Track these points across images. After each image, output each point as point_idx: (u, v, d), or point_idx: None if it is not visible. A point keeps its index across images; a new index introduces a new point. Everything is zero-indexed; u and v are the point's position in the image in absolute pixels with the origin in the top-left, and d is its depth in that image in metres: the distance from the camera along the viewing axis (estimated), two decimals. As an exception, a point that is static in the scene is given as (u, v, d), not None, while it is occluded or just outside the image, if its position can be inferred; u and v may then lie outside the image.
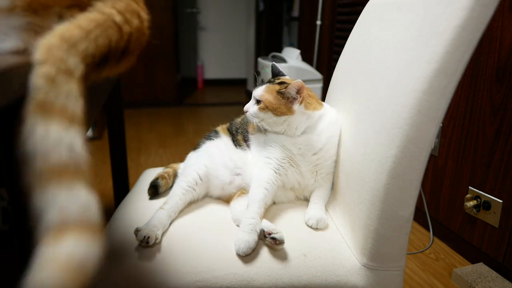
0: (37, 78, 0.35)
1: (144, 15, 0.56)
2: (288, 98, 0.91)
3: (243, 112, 1.18)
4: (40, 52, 0.37)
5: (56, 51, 0.38)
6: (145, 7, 0.59)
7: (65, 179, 0.36)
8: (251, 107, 0.95)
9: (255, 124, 0.96)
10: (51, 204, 0.35)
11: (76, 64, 0.39)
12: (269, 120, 0.93)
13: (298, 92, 0.91)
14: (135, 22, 0.52)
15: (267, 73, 3.23)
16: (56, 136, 0.35)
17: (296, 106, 0.92)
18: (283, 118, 0.92)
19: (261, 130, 1.00)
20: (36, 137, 0.34)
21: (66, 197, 0.35)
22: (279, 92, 0.92)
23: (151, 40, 0.60)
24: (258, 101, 0.93)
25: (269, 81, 0.97)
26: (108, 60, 0.47)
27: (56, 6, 0.46)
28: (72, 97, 0.37)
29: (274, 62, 1.06)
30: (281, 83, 0.95)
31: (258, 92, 0.94)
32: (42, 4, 0.44)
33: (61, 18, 0.46)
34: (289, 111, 0.91)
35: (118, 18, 0.48)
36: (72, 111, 0.37)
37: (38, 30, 0.43)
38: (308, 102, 0.94)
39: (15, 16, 0.42)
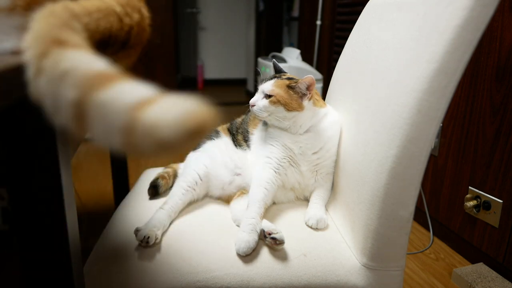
0: (44, 22, 0.35)
1: (145, 12, 0.57)
2: (298, 93, 0.92)
3: (243, 112, 1.18)
4: (43, 13, 0.36)
5: (60, 13, 0.38)
6: (146, 6, 0.60)
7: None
8: (259, 101, 0.93)
9: (261, 118, 0.95)
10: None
11: (79, 28, 0.39)
12: (278, 114, 0.92)
13: (308, 88, 0.91)
14: (136, 16, 0.53)
15: (267, 73, 3.23)
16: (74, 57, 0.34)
17: (305, 102, 0.92)
18: (293, 113, 0.92)
19: (264, 126, 1.00)
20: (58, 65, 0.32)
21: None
22: (289, 87, 0.92)
23: (153, 39, 0.60)
24: (266, 96, 0.92)
25: (275, 76, 0.97)
26: (108, 47, 0.47)
27: None
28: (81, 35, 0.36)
29: (274, 60, 1.06)
30: (289, 78, 0.95)
31: (267, 86, 0.93)
32: (42, 4, 0.44)
33: None
34: (300, 106, 0.91)
35: (118, 9, 0.49)
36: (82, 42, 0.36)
37: None
38: (316, 99, 0.95)
39: (15, 16, 0.42)
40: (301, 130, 0.94)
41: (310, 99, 0.93)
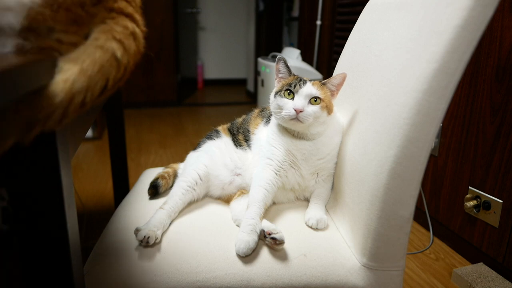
0: None
1: (140, 31, 0.56)
2: (331, 91, 0.89)
3: (243, 112, 1.18)
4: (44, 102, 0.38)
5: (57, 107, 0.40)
6: (141, 15, 0.59)
7: None
8: (307, 107, 0.85)
9: (301, 127, 0.88)
10: None
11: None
12: (320, 119, 0.87)
13: (339, 85, 0.88)
14: (133, 47, 0.53)
15: (267, 73, 3.22)
16: None
17: (333, 101, 0.90)
18: (330, 117, 0.88)
19: (266, 125, 0.98)
20: None
21: None
22: (323, 85, 0.88)
23: (147, 53, 0.61)
24: (313, 99, 0.86)
25: (301, 79, 0.89)
26: (102, 94, 0.49)
27: (57, 25, 0.47)
28: None
29: (285, 58, 0.94)
30: (311, 80, 0.90)
31: (313, 90, 0.86)
32: (41, 22, 0.45)
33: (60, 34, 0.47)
34: (332, 108, 0.89)
35: (119, 53, 0.49)
36: None
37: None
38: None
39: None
40: (317, 136, 0.91)
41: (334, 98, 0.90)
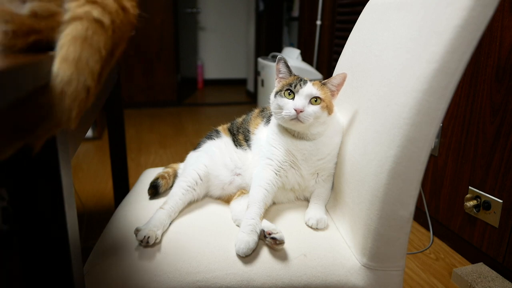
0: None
1: None
2: (331, 91, 0.89)
3: (243, 112, 1.18)
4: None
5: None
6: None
7: None
8: (307, 107, 0.85)
9: (302, 128, 0.88)
10: None
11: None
12: (320, 120, 0.87)
13: (339, 85, 0.89)
14: (110, 3, 0.47)
15: (267, 73, 3.22)
16: None
17: (334, 101, 0.90)
18: (330, 117, 0.88)
19: (266, 125, 0.98)
20: None
21: None
22: (323, 85, 0.88)
23: (140, 15, 0.56)
24: (313, 100, 0.86)
25: (301, 79, 0.89)
26: (103, 69, 0.45)
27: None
28: None
29: (285, 58, 0.94)
30: (311, 80, 0.90)
31: (313, 90, 0.86)
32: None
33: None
34: (333, 108, 0.89)
35: (96, 12, 0.44)
36: None
37: None
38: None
39: None
40: (318, 136, 0.91)
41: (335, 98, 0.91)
